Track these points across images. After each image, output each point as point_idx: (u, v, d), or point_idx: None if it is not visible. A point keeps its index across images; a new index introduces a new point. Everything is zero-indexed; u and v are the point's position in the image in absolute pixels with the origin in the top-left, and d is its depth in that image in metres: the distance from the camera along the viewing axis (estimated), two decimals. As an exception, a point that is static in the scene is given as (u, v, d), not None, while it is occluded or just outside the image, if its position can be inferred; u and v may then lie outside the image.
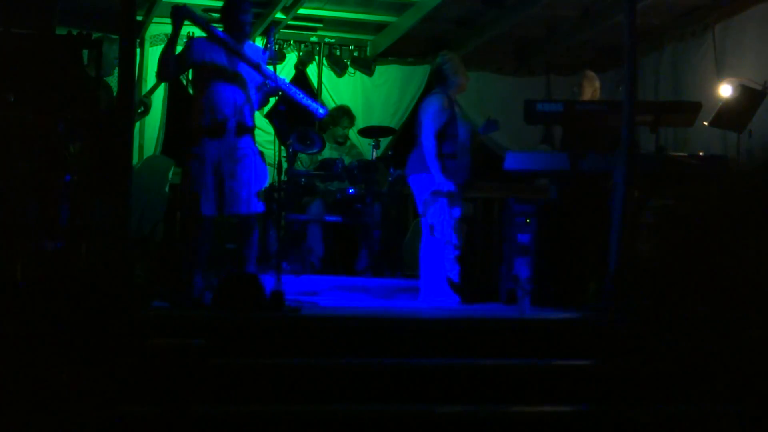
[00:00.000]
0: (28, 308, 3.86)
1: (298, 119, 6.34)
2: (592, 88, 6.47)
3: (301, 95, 5.28)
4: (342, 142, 7.86)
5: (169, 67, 5.17)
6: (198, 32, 5.67)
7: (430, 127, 5.87)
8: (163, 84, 7.49)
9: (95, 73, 5.55)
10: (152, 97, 7.49)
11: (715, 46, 7.09)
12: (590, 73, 6.62)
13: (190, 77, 7.70)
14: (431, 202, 5.89)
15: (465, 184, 5.97)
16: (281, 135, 5.77)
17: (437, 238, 5.88)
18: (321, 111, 5.36)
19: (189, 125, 5.22)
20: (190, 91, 7.96)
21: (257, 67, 5.14)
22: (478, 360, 4.22)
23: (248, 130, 5.22)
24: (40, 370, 3.63)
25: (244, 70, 5.17)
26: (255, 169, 5.21)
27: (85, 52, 5.60)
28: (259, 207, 5.24)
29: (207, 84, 5.15)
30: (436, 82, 6.14)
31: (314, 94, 8.51)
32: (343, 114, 7.86)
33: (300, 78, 8.50)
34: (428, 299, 5.92)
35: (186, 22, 5.13)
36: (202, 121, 5.13)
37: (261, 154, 5.46)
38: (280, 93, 5.23)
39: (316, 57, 8.56)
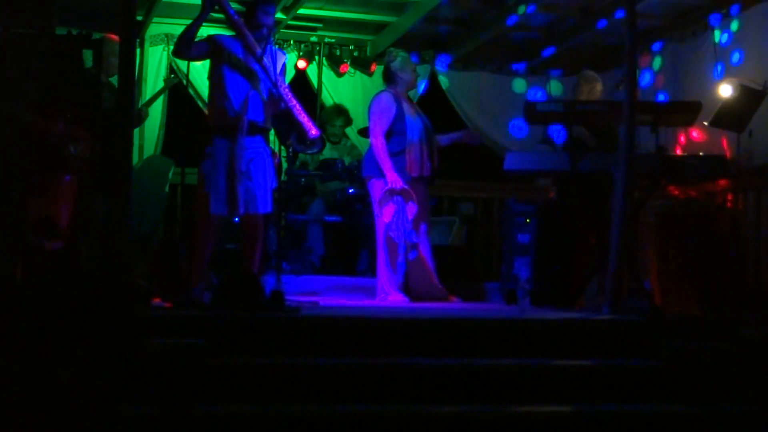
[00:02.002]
0: (28, 308, 3.86)
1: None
2: (588, 87, 6.45)
3: (300, 111, 5.28)
4: (336, 141, 7.84)
5: (186, 46, 5.18)
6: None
7: (377, 126, 6.01)
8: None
9: (97, 73, 5.55)
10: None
11: (715, 46, 7.09)
12: (589, 73, 6.61)
13: (189, 78, 7.80)
14: (385, 201, 5.95)
15: (424, 179, 6.04)
16: (281, 135, 5.78)
17: (392, 238, 5.96)
18: (313, 132, 5.35)
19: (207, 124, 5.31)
20: (190, 92, 8.04)
21: (264, 68, 5.14)
22: (478, 360, 4.22)
23: (261, 130, 5.24)
24: (40, 370, 3.63)
25: (259, 70, 5.18)
26: (267, 169, 5.23)
27: (89, 52, 5.61)
28: (270, 208, 5.27)
29: (221, 80, 5.17)
30: (384, 81, 6.23)
31: (314, 94, 8.54)
32: (338, 114, 7.86)
33: (300, 78, 8.51)
34: (381, 299, 6.02)
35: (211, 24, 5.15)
36: (214, 120, 5.20)
37: (274, 154, 5.48)
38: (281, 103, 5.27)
39: (316, 57, 8.57)
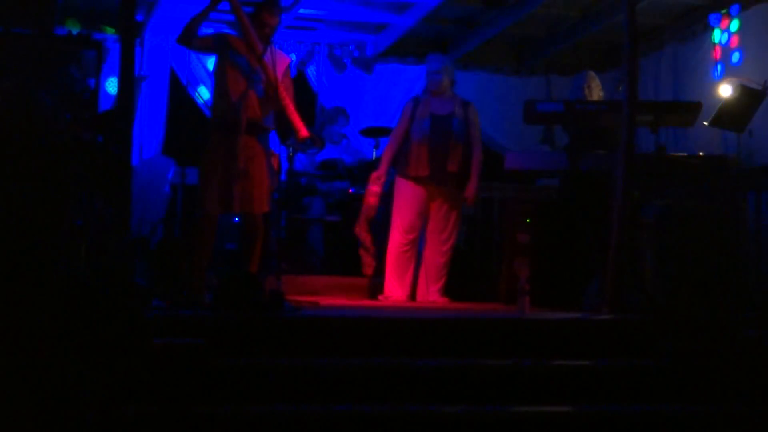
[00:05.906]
0: (28, 308, 3.86)
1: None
2: (597, 88, 6.47)
3: (293, 112, 5.29)
4: (337, 141, 7.85)
5: (191, 36, 5.19)
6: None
7: (395, 127, 6.32)
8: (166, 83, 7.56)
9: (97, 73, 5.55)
10: (154, 97, 7.53)
11: (715, 46, 7.09)
12: (592, 73, 6.62)
13: (190, 78, 7.81)
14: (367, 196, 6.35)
15: (433, 179, 6.12)
16: (281, 135, 5.78)
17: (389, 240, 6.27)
18: (303, 133, 5.34)
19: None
20: (191, 92, 8.04)
21: (265, 68, 5.14)
22: (478, 360, 4.22)
23: (261, 129, 5.24)
24: (40, 370, 3.63)
25: (260, 69, 5.18)
26: (266, 169, 5.23)
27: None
28: (267, 207, 5.27)
29: (223, 77, 5.19)
30: None
31: (314, 94, 8.54)
32: (339, 113, 7.87)
33: (299, 78, 8.51)
34: (381, 299, 6.14)
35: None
36: (215, 117, 5.21)
37: (274, 155, 5.47)
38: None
39: (316, 57, 8.57)
